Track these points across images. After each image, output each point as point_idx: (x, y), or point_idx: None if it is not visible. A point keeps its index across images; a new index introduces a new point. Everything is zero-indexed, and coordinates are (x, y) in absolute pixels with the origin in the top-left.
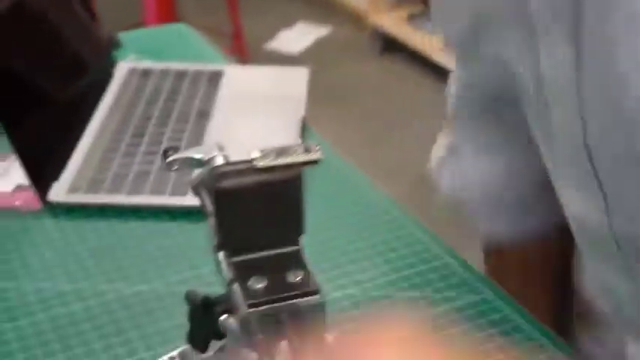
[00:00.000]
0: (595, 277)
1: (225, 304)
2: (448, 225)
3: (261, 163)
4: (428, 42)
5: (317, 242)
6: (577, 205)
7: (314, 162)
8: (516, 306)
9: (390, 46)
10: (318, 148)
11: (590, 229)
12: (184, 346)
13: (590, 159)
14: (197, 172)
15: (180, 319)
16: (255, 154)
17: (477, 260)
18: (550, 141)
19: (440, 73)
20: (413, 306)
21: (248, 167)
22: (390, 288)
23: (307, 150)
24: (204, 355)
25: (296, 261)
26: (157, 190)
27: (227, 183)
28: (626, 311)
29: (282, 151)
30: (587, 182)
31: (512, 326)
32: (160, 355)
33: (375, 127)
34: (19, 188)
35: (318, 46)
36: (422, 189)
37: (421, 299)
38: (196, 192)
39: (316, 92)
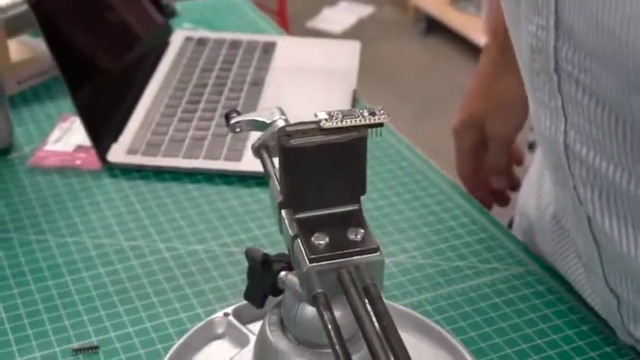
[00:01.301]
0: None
1: (283, 261)
2: None
3: (328, 124)
4: (470, 24)
5: (365, 210)
6: None
7: (379, 125)
8: (560, 278)
9: (434, 27)
10: (382, 111)
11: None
12: (238, 304)
13: None
14: (260, 134)
15: (234, 277)
16: (322, 116)
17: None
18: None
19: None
20: (458, 275)
21: (314, 128)
22: (437, 257)
23: (372, 113)
24: (259, 310)
25: (357, 219)
26: (212, 155)
27: (295, 142)
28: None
29: (348, 114)
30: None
31: (556, 298)
32: (216, 311)
33: (415, 106)
34: (79, 148)
35: (361, 25)
36: None
37: (467, 269)
38: (257, 153)
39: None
